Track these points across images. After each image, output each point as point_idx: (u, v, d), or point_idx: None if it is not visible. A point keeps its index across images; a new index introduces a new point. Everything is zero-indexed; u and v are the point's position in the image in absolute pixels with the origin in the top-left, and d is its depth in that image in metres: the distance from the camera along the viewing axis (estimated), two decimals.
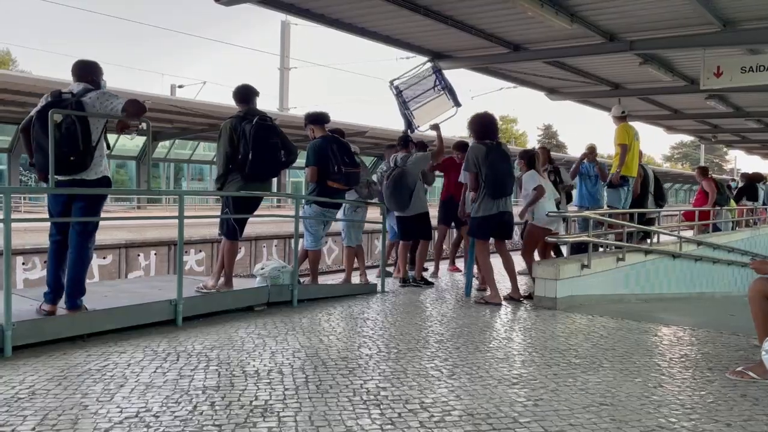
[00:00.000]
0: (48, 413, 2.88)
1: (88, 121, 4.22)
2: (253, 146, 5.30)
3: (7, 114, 20.56)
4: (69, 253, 4.40)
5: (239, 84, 5.65)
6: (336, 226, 7.96)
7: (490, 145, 6.22)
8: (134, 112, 4.33)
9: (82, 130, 4.17)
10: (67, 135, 4.12)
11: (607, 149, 10.56)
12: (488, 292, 6.44)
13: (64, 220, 4.40)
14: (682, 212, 12.49)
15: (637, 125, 11.88)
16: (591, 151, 8.77)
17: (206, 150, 32.27)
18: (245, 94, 5.58)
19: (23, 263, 11.59)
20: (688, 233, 11.13)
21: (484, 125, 6.37)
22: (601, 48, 9.31)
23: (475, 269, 7.08)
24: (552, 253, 7.88)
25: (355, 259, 7.21)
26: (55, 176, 4.14)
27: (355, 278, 7.28)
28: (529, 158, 7.12)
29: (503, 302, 6.30)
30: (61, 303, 4.39)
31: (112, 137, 4.65)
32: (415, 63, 8.94)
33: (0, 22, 77.62)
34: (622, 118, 8.35)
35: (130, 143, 28.03)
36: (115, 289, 5.72)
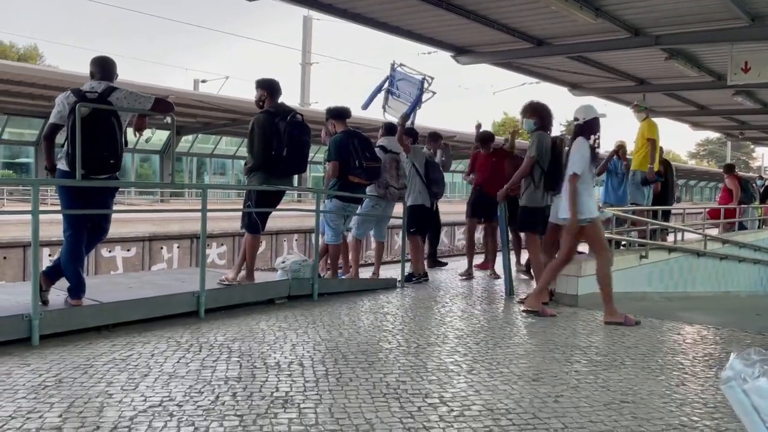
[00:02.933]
0: (74, 401, 2.94)
1: (122, 123, 4.32)
2: (288, 145, 5.32)
3: (36, 108, 20.95)
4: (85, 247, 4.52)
5: (269, 77, 5.60)
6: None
7: (554, 138, 6.16)
8: (163, 111, 4.51)
9: (120, 134, 4.29)
10: (109, 140, 4.22)
11: (630, 145, 10.43)
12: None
13: (94, 212, 4.48)
14: (707, 210, 12.27)
15: (662, 121, 11.76)
16: (620, 148, 8.68)
17: (228, 145, 32.57)
18: (275, 87, 5.57)
19: (49, 255, 11.82)
20: (713, 231, 10.97)
21: (549, 116, 6.22)
22: (626, 43, 9.20)
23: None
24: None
25: (347, 254, 7.18)
26: (95, 177, 4.26)
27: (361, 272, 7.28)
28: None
29: (517, 302, 6.23)
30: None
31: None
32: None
33: (27, 17, 78.92)
34: (646, 111, 8.27)
35: (153, 137, 28.41)
36: (139, 281, 5.81)
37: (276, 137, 5.31)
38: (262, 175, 5.47)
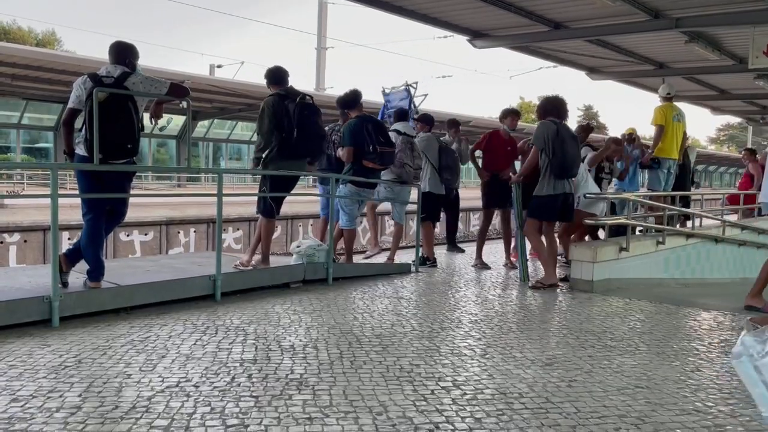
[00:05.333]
0: (94, 381, 3.00)
1: (138, 108, 4.35)
2: (298, 125, 5.36)
3: (54, 93, 21.12)
4: (104, 231, 4.58)
5: (271, 66, 5.68)
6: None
7: (560, 124, 6.07)
8: (178, 95, 4.55)
9: (137, 119, 4.33)
10: (126, 124, 4.26)
11: (649, 130, 10.48)
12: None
13: (113, 196, 4.53)
14: (726, 196, 12.10)
15: (682, 106, 11.57)
16: (630, 135, 8.58)
17: (244, 130, 32.64)
18: (278, 76, 5.62)
19: (69, 238, 11.98)
20: (732, 217, 10.83)
21: (550, 106, 6.17)
22: (646, 25, 9.04)
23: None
24: (587, 237, 7.74)
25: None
26: (113, 162, 4.31)
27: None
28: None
29: (559, 284, 6.22)
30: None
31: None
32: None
33: (45, 2, 79.35)
34: (666, 99, 8.14)
35: (170, 124, 28.61)
36: (156, 265, 5.88)
37: (286, 118, 5.36)
38: (276, 159, 5.50)
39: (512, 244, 7.73)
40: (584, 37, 10.00)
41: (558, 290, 6.12)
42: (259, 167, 5.59)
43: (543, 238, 6.35)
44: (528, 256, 6.85)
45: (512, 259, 7.64)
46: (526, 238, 6.62)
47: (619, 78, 13.79)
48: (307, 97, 5.54)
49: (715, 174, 60.59)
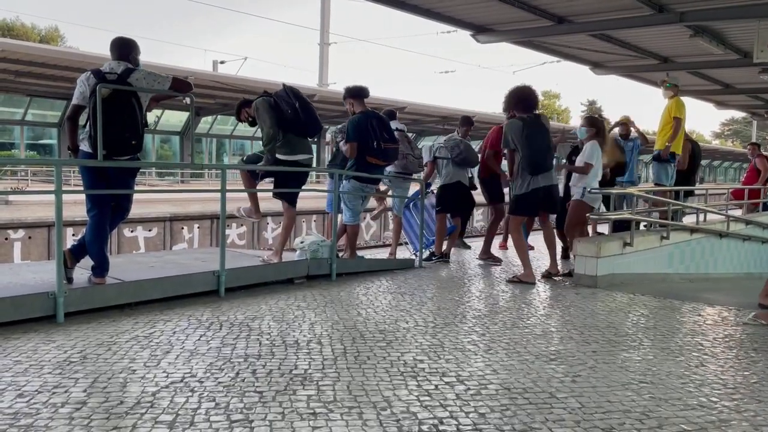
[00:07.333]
0: (98, 376, 3.01)
1: (142, 104, 4.36)
2: (296, 100, 5.65)
3: (58, 89, 21.15)
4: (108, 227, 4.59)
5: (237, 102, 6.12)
6: (373, 202, 8.01)
7: (527, 120, 6.04)
8: (181, 90, 4.56)
9: (141, 116, 4.33)
10: (130, 121, 4.27)
11: (650, 124, 10.33)
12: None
13: (117, 192, 4.54)
14: (730, 190, 12.07)
15: (686, 100, 11.53)
16: (623, 124, 8.53)
17: (247, 126, 32.62)
18: (242, 104, 6.07)
19: (73, 234, 12.01)
20: (737, 212, 10.80)
21: (518, 98, 6.18)
22: (650, 20, 9.02)
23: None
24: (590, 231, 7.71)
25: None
26: (117, 158, 4.31)
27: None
28: (598, 128, 6.73)
29: (537, 281, 6.22)
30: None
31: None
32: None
33: None
34: (676, 90, 8.11)
35: (173, 118, 28.61)
36: (160, 260, 5.90)
37: (283, 101, 5.67)
38: (286, 140, 5.70)
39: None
40: (588, 31, 9.98)
41: (560, 285, 6.11)
42: (270, 159, 5.76)
43: (543, 233, 6.44)
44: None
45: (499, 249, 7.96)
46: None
47: (622, 72, 13.76)
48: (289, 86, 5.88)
49: (719, 169, 60.44)
